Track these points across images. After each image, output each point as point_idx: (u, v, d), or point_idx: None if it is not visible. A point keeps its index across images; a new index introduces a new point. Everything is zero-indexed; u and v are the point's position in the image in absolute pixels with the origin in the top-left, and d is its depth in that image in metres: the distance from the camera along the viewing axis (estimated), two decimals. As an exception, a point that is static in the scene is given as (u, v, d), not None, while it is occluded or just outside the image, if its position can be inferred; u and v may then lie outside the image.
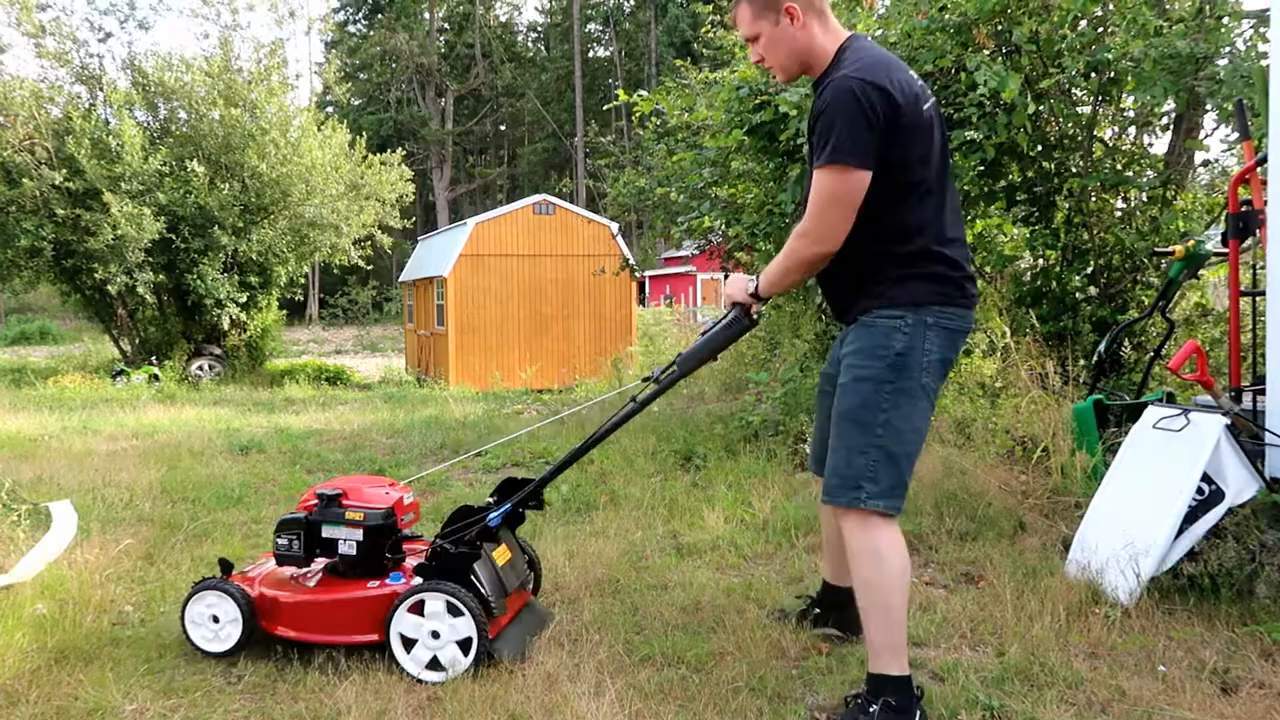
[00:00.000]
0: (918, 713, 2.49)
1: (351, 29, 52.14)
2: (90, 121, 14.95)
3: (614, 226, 17.21)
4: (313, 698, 2.81)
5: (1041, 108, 5.85)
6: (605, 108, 9.71)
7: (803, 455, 5.57)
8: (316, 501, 3.19)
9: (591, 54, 54.02)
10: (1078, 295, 6.11)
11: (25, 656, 3.05)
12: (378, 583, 3.10)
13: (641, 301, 22.12)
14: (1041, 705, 2.65)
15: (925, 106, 2.52)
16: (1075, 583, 3.44)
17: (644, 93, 7.97)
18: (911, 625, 3.24)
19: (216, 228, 15.11)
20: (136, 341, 16.44)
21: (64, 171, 14.41)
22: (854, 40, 2.61)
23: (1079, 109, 6.17)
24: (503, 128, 55.79)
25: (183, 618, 3.15)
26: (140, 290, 14.77)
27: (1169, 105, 5.18)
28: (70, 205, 14.59)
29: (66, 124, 14.86)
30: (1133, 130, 6.30)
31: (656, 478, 5.59)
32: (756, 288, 2.69)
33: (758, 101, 6.32)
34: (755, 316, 2.80)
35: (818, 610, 3.21)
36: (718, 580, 3.83)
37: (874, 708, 2.46)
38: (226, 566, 3.26)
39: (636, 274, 15.18)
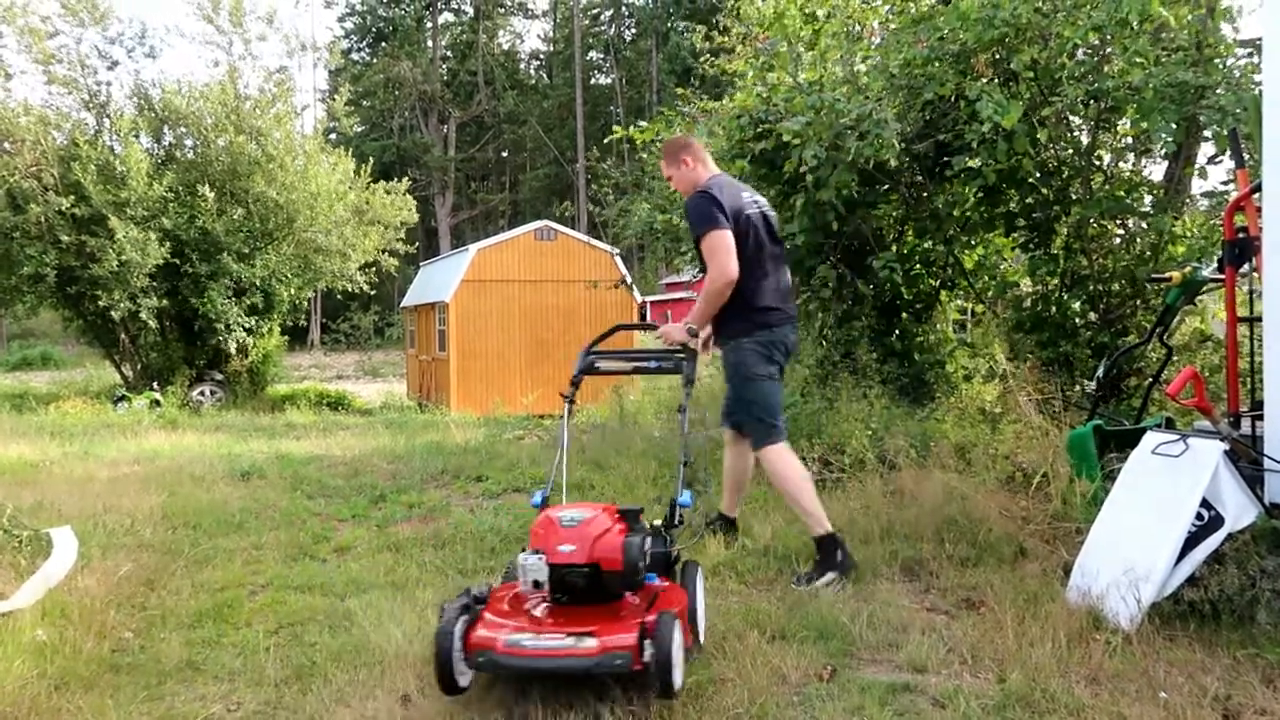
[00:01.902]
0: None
1: (355, 56, 52.57)
2: (96, 148, 15.06)
3: (615, 252, 17.28)
4: (312, 724, 2.80)
5: (1041, 135, 5.90)
6: (605, 140, 9.78)
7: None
8: (623, 523, 3.09)
9: (593, 81, 54.41)
10: (1077, 321, 6.13)
11: (25, 683, 3.05)
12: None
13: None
14: (1043, 732, 2.65)
15: (747, 212, 4.16)
16: (1076, 608, 3.44)
17: (642, 124, 8.03)
18: (912, 650, 3.26)
19: (224, 252, 15.20)
20: (138, 367, 16.45)
21: (70, 197, 14.49)
22: (716, 176, 4.31)
23: (1078, 136, 6.23)
24: (505, 154, 56.09)
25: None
26: (144, 316, 14.80)
27: (1169, 133, 5.22)
28: (75, 231, 14.67)
29: (73, 150, 14.96)
30: (1131, 157, 6.35)
31: (656, 504, 5.58)
32: (693, 328, 4.07)
33: (759, 130, 6.37)
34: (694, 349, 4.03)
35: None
36: (718, 606, 3.82)
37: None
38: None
39: (639, 298, 15.21)
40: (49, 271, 14.61)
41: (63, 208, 14.40)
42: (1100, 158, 6.26)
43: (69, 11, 16.23)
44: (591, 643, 2.72)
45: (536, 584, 2.91)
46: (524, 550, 2.95)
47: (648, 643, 2.70)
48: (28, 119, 15.06)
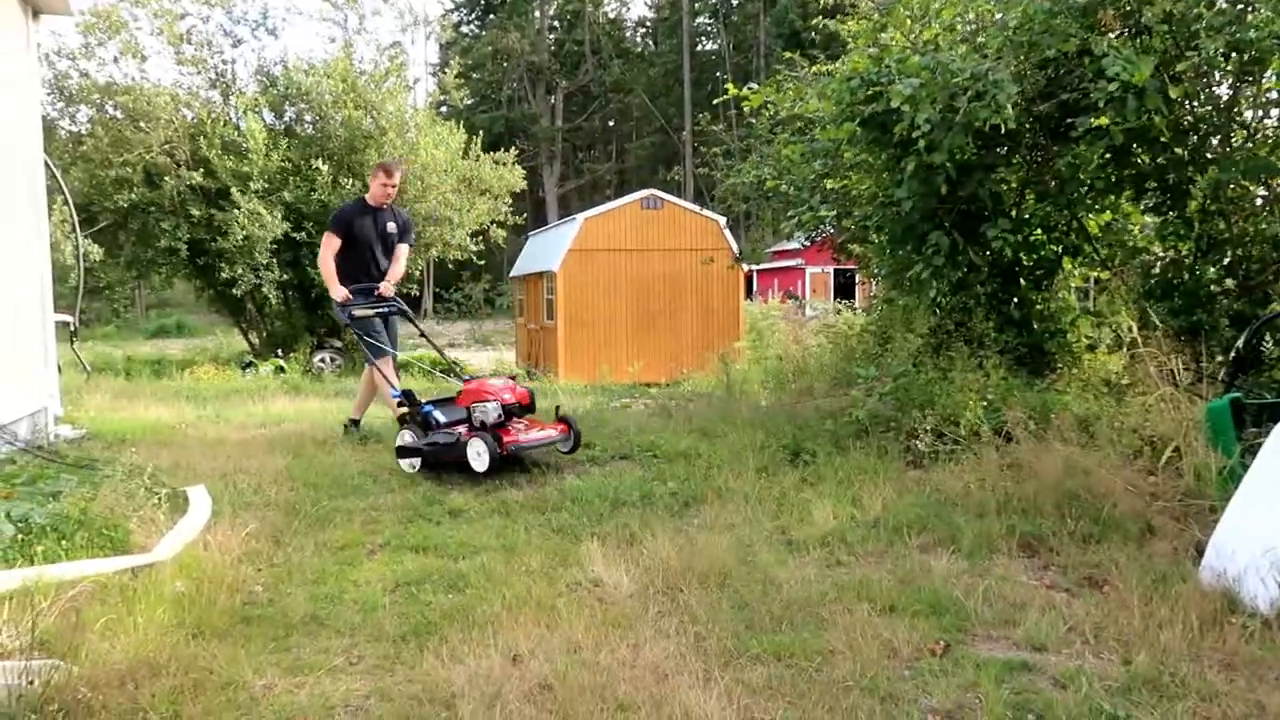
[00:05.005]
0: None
1: (465, 29, 53.30)
2: (221, 123, 15.71)
3: (722, 220, 17.12)
4: (428, 680, 2.89)
5: (1175, 92, 5.56)
6: (715, 101, 9.70)
7: (915, 452, 5.45)
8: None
9: (700, 48, 53.87)
10: (1213, 288, 5.79)
11: (166, 631, 3.24)
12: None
13: (749, 295, 21.95)
14: (1172, 717, 2.53)
15: None
16: (1209, 590, 3.28)
17: (754, 85, 7.89)
18: (1030, 627, 3.17)
19: None
20: (264, 335, 17.20)
21: (200, 171, 15.19)
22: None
23: (1217, 91, 5.84)
24: (611, 123, 56.19)
25: None
26: (266, 289, 15.44)
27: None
28: (204, 205, 15.37)
29: (200, 127, 15.65)
30: (1276, 112, 5.93)
31: (764, 473, 5.54)
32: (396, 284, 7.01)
33: (870, 93, 6.19)
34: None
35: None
36: (827, 577, 3.79)
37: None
38: None
39: (745, 267, 15.04)
40: (181, 245, 15.37)
41: (194, 182, 15.10)
42: (1241, 114, 5.86)
43: None
44: (554, 432, 5.87)
45: (497, 415, 5.69)
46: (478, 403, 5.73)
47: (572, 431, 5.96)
48: (162, 98, 15.81)
